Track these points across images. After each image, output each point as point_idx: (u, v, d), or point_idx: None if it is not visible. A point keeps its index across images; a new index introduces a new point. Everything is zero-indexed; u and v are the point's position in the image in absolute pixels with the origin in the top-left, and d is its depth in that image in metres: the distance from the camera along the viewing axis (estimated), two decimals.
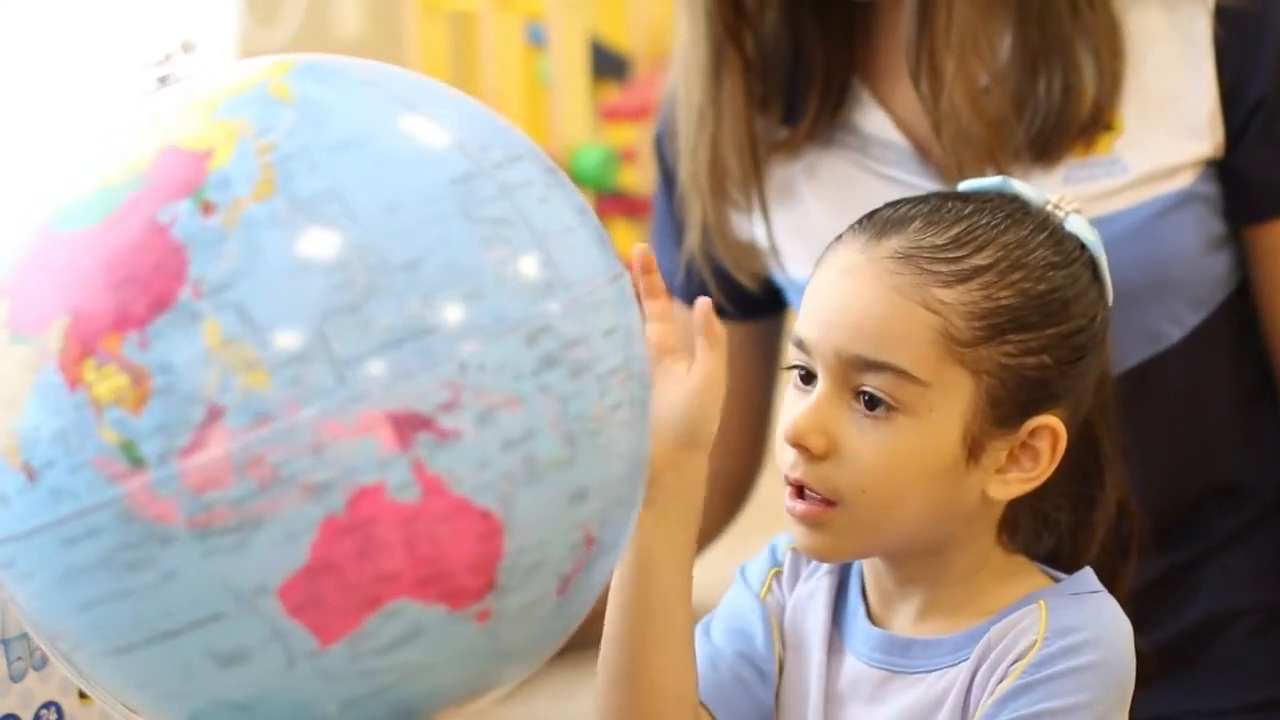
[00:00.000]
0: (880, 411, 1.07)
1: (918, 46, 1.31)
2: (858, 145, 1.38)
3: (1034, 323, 1.08)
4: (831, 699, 1.13)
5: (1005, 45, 1.31)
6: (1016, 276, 1.09)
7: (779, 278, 1.43)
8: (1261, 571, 1.38)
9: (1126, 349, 1.30)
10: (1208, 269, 1.34)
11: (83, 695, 1.21)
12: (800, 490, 1.09)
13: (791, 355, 1.12)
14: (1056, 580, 1.13)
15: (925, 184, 1.34)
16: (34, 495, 0.89)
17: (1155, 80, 1.32)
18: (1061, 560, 1.16)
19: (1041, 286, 1.09)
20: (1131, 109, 1.32)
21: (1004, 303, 1.08)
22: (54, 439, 0.89)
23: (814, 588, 1.16)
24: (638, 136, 3.58)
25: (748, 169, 1.38)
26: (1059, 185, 1.31)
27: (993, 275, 1.08)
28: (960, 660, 1.09)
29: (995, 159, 1.30)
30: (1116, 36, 1.31)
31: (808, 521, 1.09)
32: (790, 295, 1.44)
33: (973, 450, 1.08)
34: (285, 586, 0.88)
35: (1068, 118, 1.31)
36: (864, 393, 1.07)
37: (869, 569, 1.15)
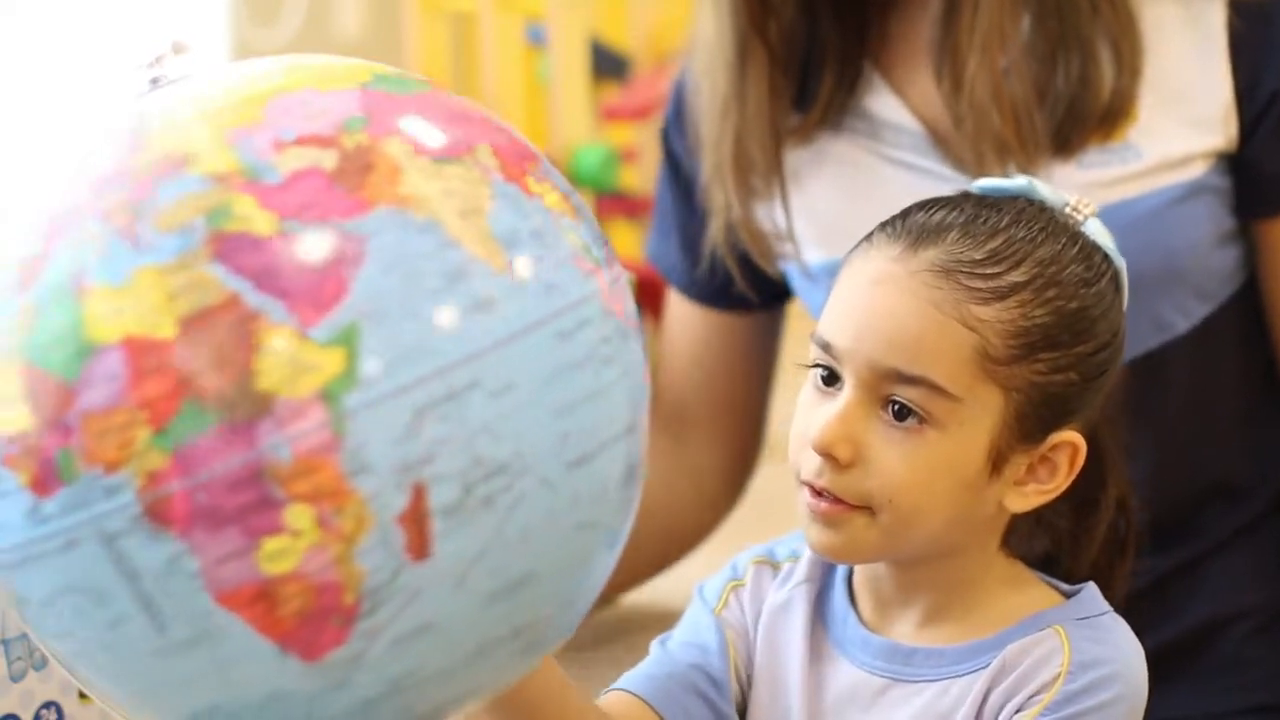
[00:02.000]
0: (910, 422, 1.06)
1: (942, 42, 1.31)
2: (868, 130, 1.38)
3: (1064, 341, 1.08)
4: (820, 707, 1.12)
5: (1024, 34, 1.31)
6: (1051, 294, 1.08)
7: (789, 264, 1.43)
8: (1263, 572, 1.38)
9: (1134, 336, 1.29)
10: (1217, 262, 1.34)
11: (82, 695, 1.20)
12: (820, 491, 1.08)
13: (814, 355, 1.10)
14: (1063, 593, 1.12)
15: (938, 168, 1.34)
16: (527, 293, 0.90)
17: (1170, 72, 1.32)
18: (1059, 563, 1.16)
19: (1074, 305, 1.08)
20: (1145, 99, 1.32)
21: (1039, 321, 1.07)
22: (534, 237, 0.91)
23: (788, 596, 1.15)
24: (638, 136, 3.58)
25: (770, 158, 1.38)
26: (1073, 171, 1.31)
27: (1029, 293, 1.07)
28: (965, 672, 1.08)
29: (1016, 152, 1.30)
30: (1135, 30, 1.32)
31: (828, 520, 1.08)
32: (797, 282, 1.44)
33: (996, 464, 1.07)
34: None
35: (1086, 109, 1.31)
36: (894, 402, 1.06)
37: (864, 575, 1.14)
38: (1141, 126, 1.32)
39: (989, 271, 1.07)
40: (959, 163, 1.33)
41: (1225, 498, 1.38)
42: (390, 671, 0.90)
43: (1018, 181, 1.13)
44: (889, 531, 1.07)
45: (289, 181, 0.89)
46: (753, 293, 1.46)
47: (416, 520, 0.88)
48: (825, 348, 1.09)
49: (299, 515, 0.86)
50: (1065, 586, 1.13)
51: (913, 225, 1.09)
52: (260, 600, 0.87)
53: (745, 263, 1.44)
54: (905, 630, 1.12)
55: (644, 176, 3.48)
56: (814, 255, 1.39)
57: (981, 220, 1.09)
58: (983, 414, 1.06)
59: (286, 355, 0.86)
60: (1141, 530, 1.18)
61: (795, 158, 1.40)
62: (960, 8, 1.30)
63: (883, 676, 1.10)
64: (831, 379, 1.09)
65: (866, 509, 1.07)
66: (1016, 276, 1.07)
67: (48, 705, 1.19)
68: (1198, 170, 1.32)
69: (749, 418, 1.57)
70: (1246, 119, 1.32)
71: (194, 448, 0.86)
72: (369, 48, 3.74)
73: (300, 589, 0.87)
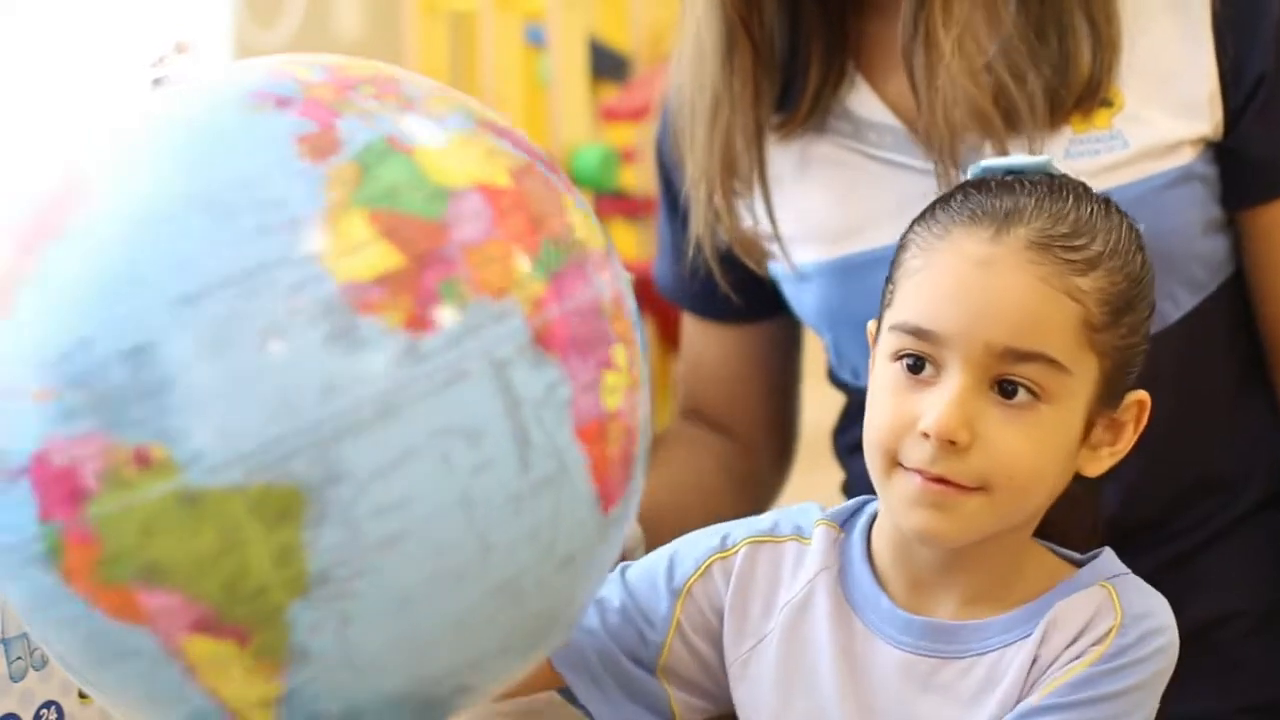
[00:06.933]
0: (1020, 399, 1.08)
1: (913, 33, 1.30)
2: (851, 131, 1.37)
3: (1135, 304, 1.12)
4: (866, 692, 1.13)
5: (1009, 20, 1.30)
6: (1120, 261, 1.11)
7: (777, 268, 1.42)
8: (1255, 571, 1.38)
9: None
10: (1206, 250, 1.34)
11: (82, 695, 1.21)
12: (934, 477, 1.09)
13: (902, 343, 1.10)
14: (1076, 562, 1.15)
15: (919, 164, 1.33)
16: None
17: (1154, 58, 1.32)
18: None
19: (1136, 268, 1.13)
20: (1130, 86, 1.31)
21: (1120, 286, 1.11)
22: None
23: (808, 591, 1.16)
24: (637, 136, 3.58)
25: (754, 156, 1.38)
26: (1059, 161, 1.31)
27: (1113, 261, 1.11)
28: (1014, 640, 1.10)
29: (991, 138, 1.29)
30: (1112, 5, 1.31)
31: (942, 504, 1.08)
32: (787, 286, 1.44)
33: (1087, 431, 1.11)
34: None
35: (1067, 85, 1.30)
36: (1005, 382, 1.08)
37: (895, 557, 1.15)
38: (1127, 114, 1.31)
39: (1078, 244, 1.10)
40: (939, 155, 1.32)
41: (1213, 492, 1.37)
42: (623, 534, 0.96)
43: (1038, 159, 1.15)
44: (1002, 510, 1.09)
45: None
46: (736, 294, 1.44)
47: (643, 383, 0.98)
48: (920, 334, 1.09)
49: (620, 353, 0.93)
50: (1076, 555, 1.15)
51: (989, 207, 1.11)
52: (600, 437, 0.92)
53: (728, 261, 1.43)
54: (947, 610, 1.13)
55: (643, 176, 3.48)
56: (806, 255, 1.38)
57: (1048, 198, 1.12)
58: (1085, 384, 1.10)
59: (581, 214, 0.95)
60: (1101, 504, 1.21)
61: (779, 160, 1.39)
62: (931, 12, 1.29)
63: (930, 656, 1.12)
64: (919, 365, 1.10)
65: (980, 489, 1.08)
66: (1098, 246, 1.10)
67: (48, 705, 1.19)
68: (1185, 158, 1.31)
69: (776, 427, 1.57)
70: (1231, 104, 1.31)
71: (562, 277, 0.91)
72: (369, 48, 3.75)
73: (620, 429, 0.93)
